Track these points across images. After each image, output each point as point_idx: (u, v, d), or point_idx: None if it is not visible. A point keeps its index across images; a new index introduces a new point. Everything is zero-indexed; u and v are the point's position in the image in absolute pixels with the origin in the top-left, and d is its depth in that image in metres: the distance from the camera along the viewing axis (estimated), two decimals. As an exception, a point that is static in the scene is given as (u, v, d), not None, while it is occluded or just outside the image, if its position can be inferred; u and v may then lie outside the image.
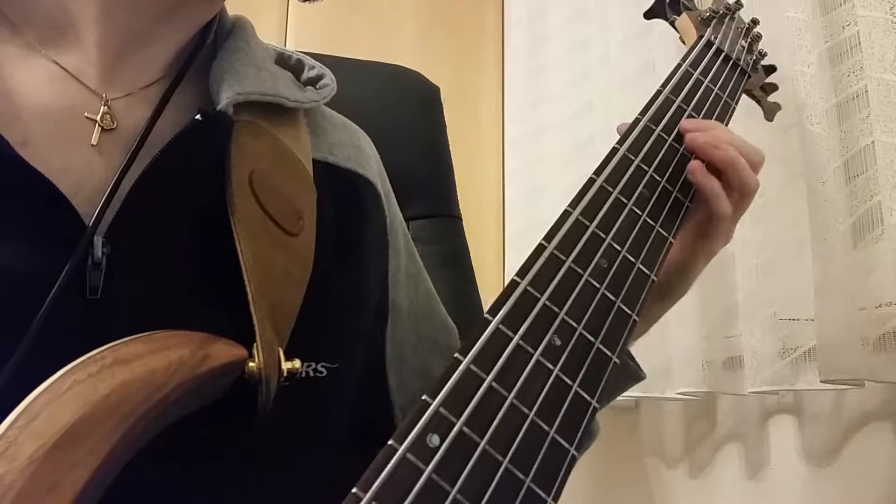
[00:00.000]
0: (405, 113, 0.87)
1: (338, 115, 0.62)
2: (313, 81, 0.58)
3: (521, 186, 1.50)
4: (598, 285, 0.42)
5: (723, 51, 0.66)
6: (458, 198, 0.89)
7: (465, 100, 1.57)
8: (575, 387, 0.38)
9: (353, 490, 0.31)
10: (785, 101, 0.79)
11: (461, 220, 0.88)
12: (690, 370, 0.95)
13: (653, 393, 1.03)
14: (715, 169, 0.54)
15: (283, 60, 0.59)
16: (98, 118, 0.46)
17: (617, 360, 0.40)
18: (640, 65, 1.14)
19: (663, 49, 1.05)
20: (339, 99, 0.58)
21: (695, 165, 0.52)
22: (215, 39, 0.55)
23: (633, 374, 0.61)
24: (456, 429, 0.33)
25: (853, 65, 0.81)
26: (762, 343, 0.86)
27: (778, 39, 0.83)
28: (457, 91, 1.39)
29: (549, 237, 0.43)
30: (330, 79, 0.58)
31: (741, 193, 0.55)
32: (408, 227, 0.67)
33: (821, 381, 0.76)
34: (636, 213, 0.47)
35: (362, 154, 0.60)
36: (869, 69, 0.76)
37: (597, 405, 0.38)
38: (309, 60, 0.60)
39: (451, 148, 0.90)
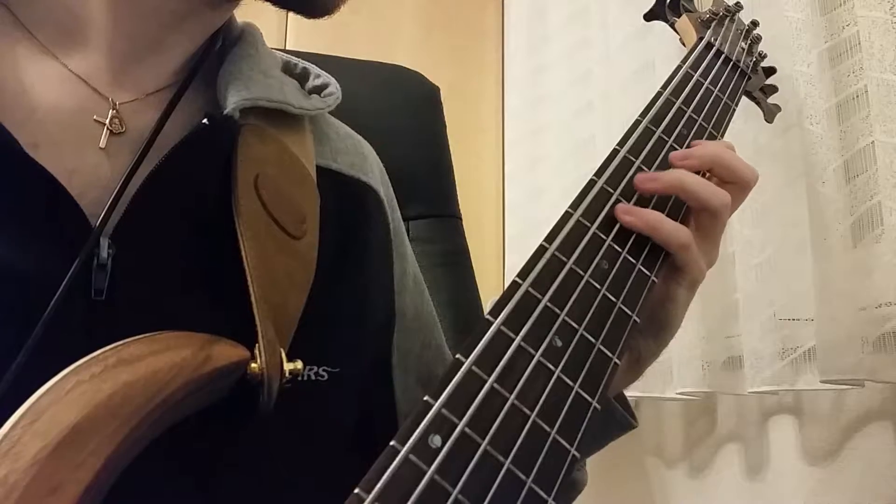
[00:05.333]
0: (405, 113, 0.87)
1: (342, 125, 0.62)
2: (318, 90, 0.58)
3: (521, 186, 1.49)
4: (598, 286, 0.42)
5: (723, 52, 0.66)
6: (458, 198, 0.89)
7: (465, 100, 1.57)
8: (576, 388, 0.38)
9: (356, 490, 0.31)
10: (785, 101, 0.79)
11: (461, 219, 0.88)
12: (690, 370, 0.95)
13: (653, 393, 1.03)
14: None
15: (289, 68, 0.59)
16: (107, 121, 0.46)
17: (618, 361, 0.40)
18: (640, 65, 1.14)
19: (663, 49, 1.05)
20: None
21: (620, 209, 0.47)
22: (223, 45, 0.55)
23: (623, 422, 0.57)
24: (458, 430, 0.34)
25: (853, 65, 0.81)
26: (762, 343, 0.86)
27: (778, 39, 0.83)
28: (457, 91, 1.39)
29: (550, 238, 0.43)
30: (335, 87, 0.59)
31: (740, 187, 0.53)
32: (408, 228, 0.67)
33: (821, 381, 0.76)
34: None
35: (366, 162, 0.60)
36: (869, 69, 0.76)
37: (597, 406, 0.38)
38: (314, 69, 0.60)
39: (451, 148, 0.90)
